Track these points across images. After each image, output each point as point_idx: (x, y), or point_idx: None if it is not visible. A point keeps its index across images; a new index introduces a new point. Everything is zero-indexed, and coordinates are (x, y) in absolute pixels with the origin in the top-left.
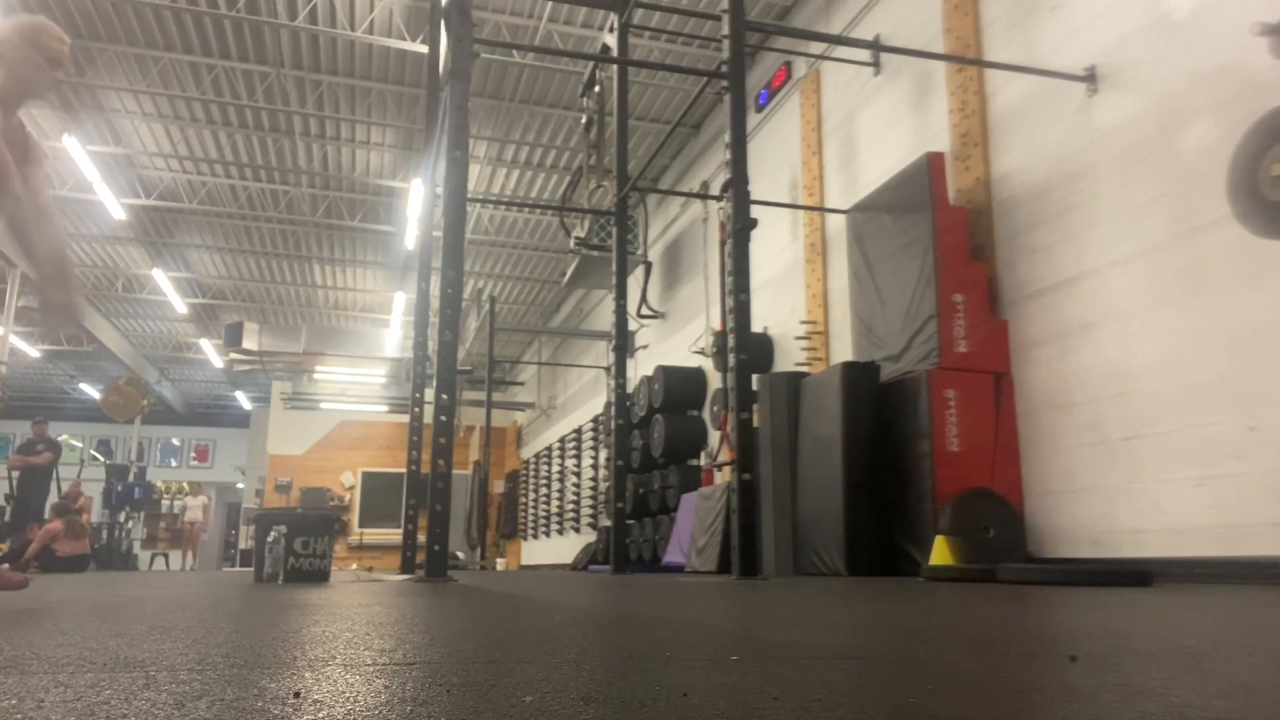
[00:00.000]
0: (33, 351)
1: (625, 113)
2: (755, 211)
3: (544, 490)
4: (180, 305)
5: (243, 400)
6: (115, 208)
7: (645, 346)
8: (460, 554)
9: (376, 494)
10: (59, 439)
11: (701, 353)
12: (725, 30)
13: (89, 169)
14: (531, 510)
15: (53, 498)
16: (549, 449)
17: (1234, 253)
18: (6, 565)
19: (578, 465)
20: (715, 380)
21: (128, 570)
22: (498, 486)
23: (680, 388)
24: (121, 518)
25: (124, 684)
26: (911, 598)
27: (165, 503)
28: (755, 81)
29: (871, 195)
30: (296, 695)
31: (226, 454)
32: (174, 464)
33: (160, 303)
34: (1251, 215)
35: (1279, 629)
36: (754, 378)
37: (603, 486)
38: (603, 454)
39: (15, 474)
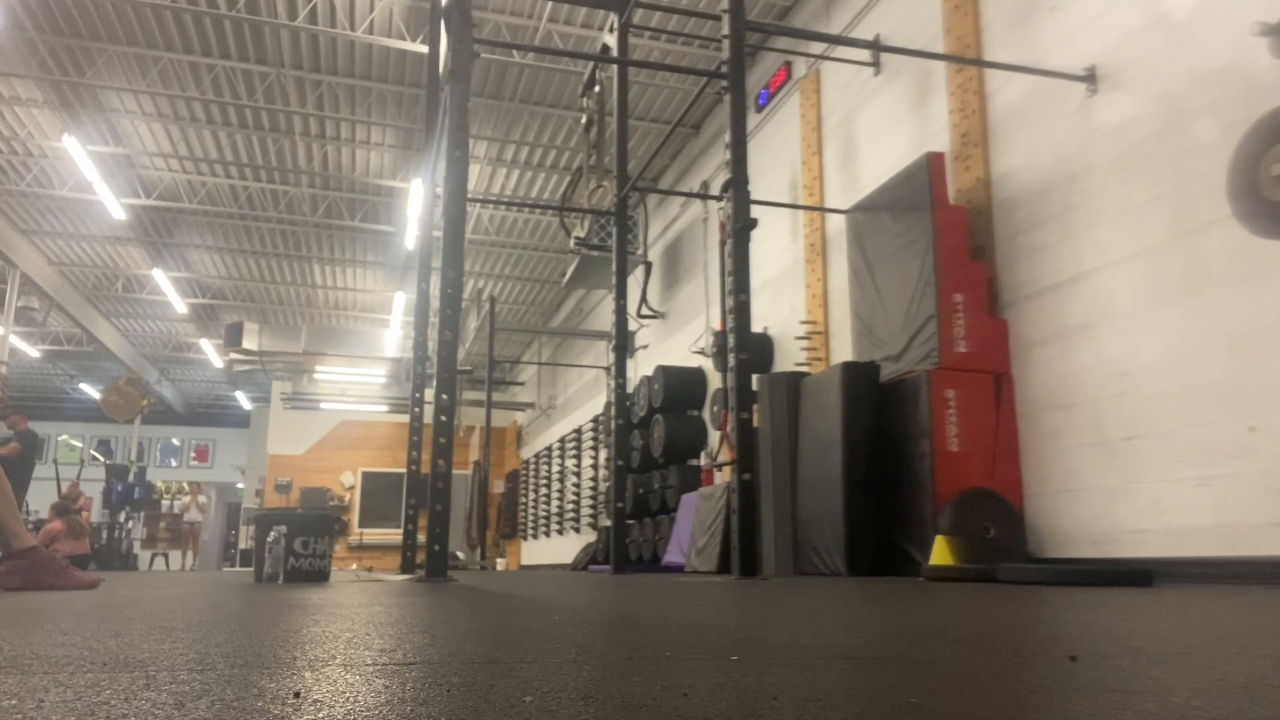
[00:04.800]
0: (33, 351)
1: (625, 113)
2: (755, 211)
3: (544, 490)
4: (180, 305)
5: (243, 400)
6: (115, 208)
7: (645, 346)
8: (460, 554)
9: (376, 494)
10: (60, 438)
11: (701, 353)
12: (725, 30)
13: (89, 169)
14: (531, 510)
15: (49, 496)
16: (549, 449)
17: (1234, 253)
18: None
19: (578, 465)
20: (715, 380)
21: (128, 570)
22: (498, 486)
23: (680, 388)
24: (121, 518)
25: (124, 684)
26: (911, 598)
27: (165, 503)
28: (755, 81)
29: (871, 195)
30: (296, 695)
31: (226, 454)
32: (174, 464)
33: (160, 303)
34: (1251, 215)
35: (1279, 629)
36: (754, 378)
37: (603, 486)
38: (603, 454)
39: None
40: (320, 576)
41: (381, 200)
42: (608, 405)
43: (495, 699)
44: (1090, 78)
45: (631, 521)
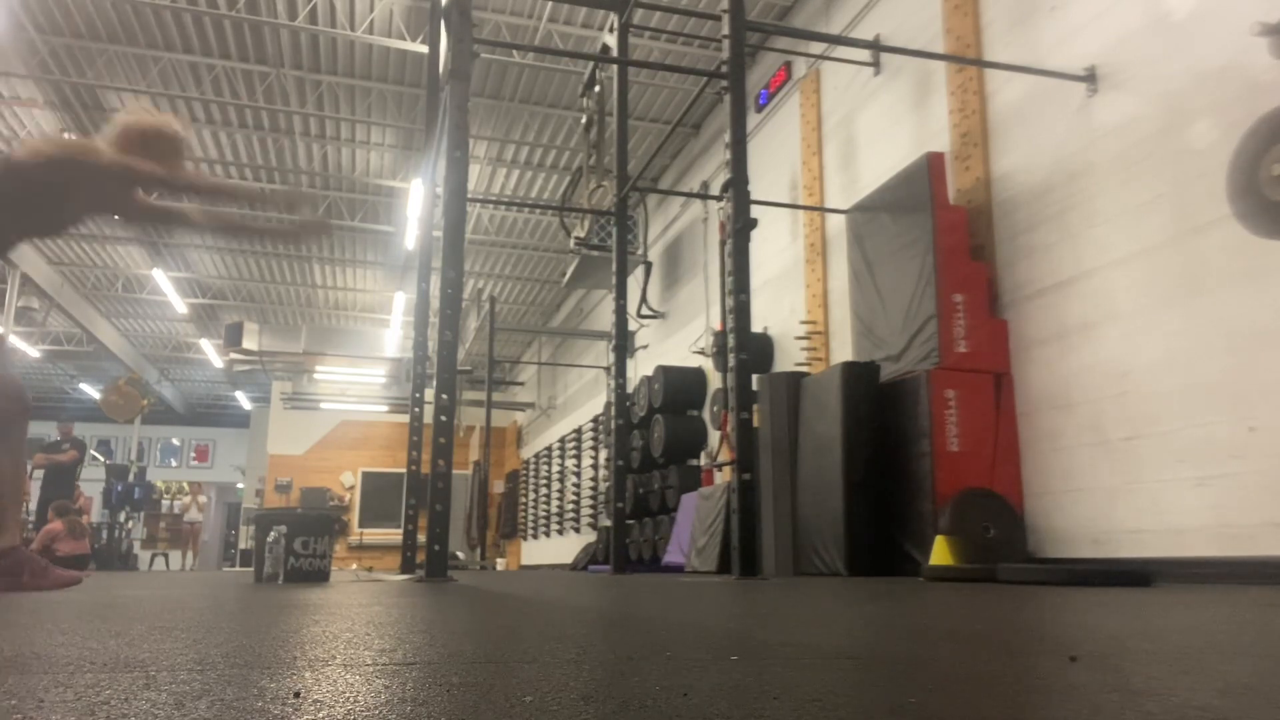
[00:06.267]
0: (33, 351)
1: (625, 113)
2: (755, 211)
3: (544, 490)
4: (180, 305)
5: (243, 400)
6: None
7: (645, 346)
8: (460, 554)
9: (376, 494)
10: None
11: (701, 353)
12: (725, 30)
13: None
14: (531, 510)
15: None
16: (549, 449)
17: (1234, 253)
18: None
19: (578, 465)
20: (715, 380)
21: (128, 570)
22: (498, 486)
23: (680, 388)
24: (121, 518)
25: (124, 684)
26: (911, 598)
27: (165, 503)
28: (755, 81)
29: (871, 195)
30: (296, 695)
31: (226, 454)
32: (174, 464)
33: (160, 303)
34: (1251, 215)
35: (1279, 629)
36: (754, 378)
37: (603, 486)
38: (603, 454)
39: (40, 472)
40: (320, 576)
41: (381, 200)
42: (608, 405)
43: (495, 699)
44: (1090, 78)
45: (631, 521)
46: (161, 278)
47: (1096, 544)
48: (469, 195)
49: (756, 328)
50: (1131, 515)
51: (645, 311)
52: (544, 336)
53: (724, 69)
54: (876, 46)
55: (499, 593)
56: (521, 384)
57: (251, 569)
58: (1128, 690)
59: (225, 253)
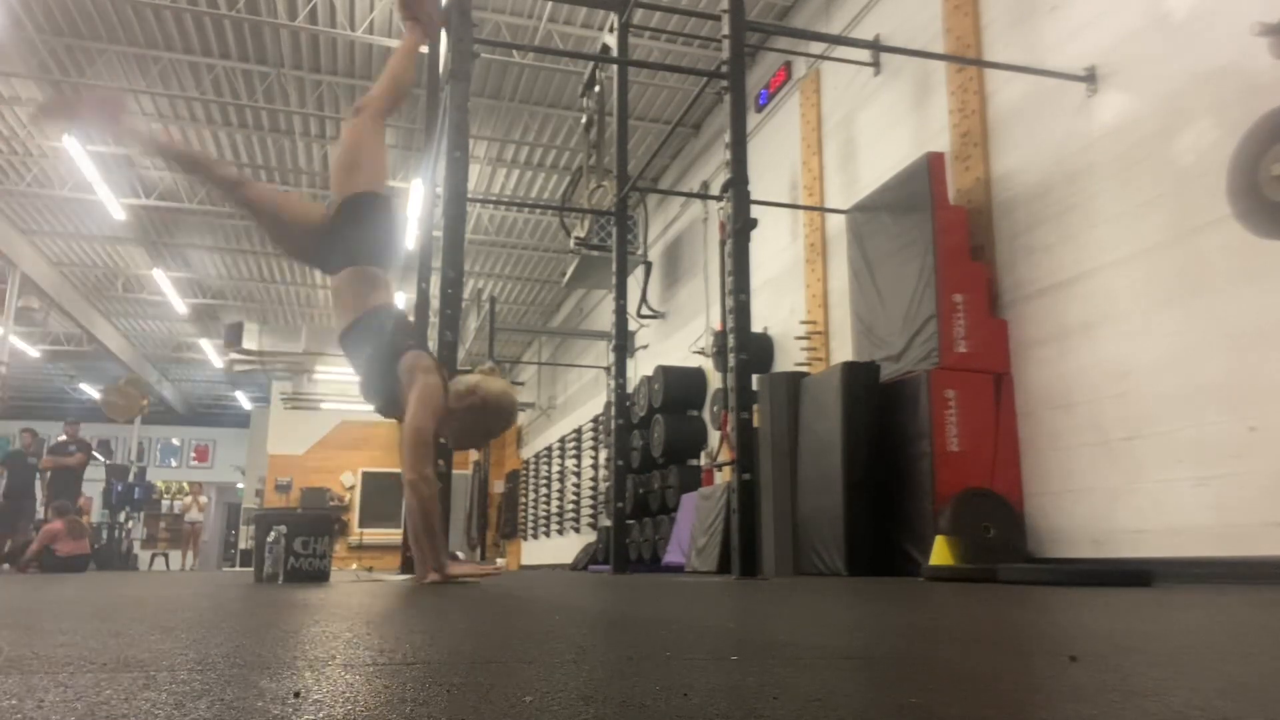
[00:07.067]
0: (33, 351)
1: (625, 113)
2: (755, 211)
3: (544, 490)
4: (180, 305)
5: (243, 400)
6: (115, 208)
7: (645, 346)
8: (460, 554)
9: (376, 494)
10: (60, 438)
11: (701, 353)
12: (725, 30)
13: (89, 169)
14: (531, 510)
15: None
16: (549, 449)
17: (1234, 253)
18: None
19: (578, 465)
20: (715, 380)
21: (128, 570)
22: (498, 486)
23: (680, 388)
24: (121, 518)
25: (124, 684)
26: (911, 598)
27: (165, 503)
28: (755, 81)
29: (871, 195)
30: (296, 695)
31: (226, 454)
32: (174, 464)
33: (160, 303)
34: (1251, 215)
35: (1279, 629)
36: (754, 378)
37: (603, 486)
38: (603, 454)
39: (47, 474)
40: (320, 576)
41: None
42: (608, 405)
43: (495, 699)
44: (1090, 78)
45: (631, 521)
46: (162, 278)
47: (1096, 544)
48: (469, 195)
49: (756, 328)
50: (1132, 515)
51: (645, 311)
52: (544, 336)
53: (724, 69)
54: (876, 46)
55: (499, 593)
56: (521, 384)
57: (251, 569)
58: (1128, 690)
59: (225, 253)
